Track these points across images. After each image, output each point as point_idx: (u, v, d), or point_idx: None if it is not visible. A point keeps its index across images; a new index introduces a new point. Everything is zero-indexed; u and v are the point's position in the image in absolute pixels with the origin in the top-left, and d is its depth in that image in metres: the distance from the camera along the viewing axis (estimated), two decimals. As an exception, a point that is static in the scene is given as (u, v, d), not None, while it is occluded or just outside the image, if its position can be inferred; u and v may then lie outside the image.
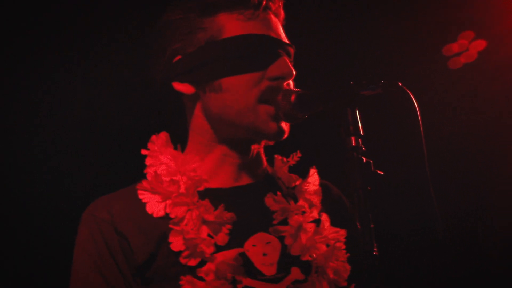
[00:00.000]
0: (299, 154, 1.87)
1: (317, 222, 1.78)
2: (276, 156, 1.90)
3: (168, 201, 1.71)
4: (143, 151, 1.82)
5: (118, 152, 3.13)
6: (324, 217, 1.79)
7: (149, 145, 1.83)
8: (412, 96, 1.50)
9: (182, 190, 1.72)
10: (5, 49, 3.04)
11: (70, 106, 3.15)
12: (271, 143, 1.88)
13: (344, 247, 1.77)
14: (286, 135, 1.78)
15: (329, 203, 1.85)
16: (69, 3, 3.02)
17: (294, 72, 1.75)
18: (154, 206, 1.72)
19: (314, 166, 1.86)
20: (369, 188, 1.46)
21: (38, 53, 3.05)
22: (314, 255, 1.73)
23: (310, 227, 1.76)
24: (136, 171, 1.86)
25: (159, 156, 1.80)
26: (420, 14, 3.52)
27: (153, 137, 1.83)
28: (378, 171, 1.48)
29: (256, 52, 1.73)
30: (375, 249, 1.44)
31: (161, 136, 1.83)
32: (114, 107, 3.17)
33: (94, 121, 3.17)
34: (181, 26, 1.78)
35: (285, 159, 1.89)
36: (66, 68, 3.11)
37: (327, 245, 1.76)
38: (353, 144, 1.49)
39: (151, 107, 3.00)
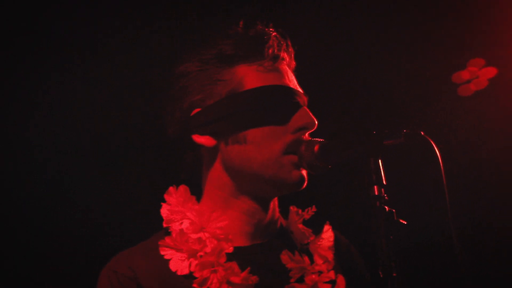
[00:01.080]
0: (314, 209, 1.86)
1: (333, 282, 1.78)
2: (291, 208, 1.88)
3: (193, 260, 1.71)
4: (164, 205, 1.80)
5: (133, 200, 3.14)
6: (340, 279, 1.79)
7: (167, 197, 1.81)
8: (434, 146, 1.50)
9: (208, 250, 1.71)
10: (11, 50, 3.06)
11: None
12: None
13: None
14: (305, 184, 1.79)
15: (337, 255, 1.84)
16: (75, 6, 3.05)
17: (316, 122, 1.76)
18: (178, 264, 1.71)
19: (327, 222, 1.86)
20: (391, 237, 1.47)
21: (53, 73, 3.07)
22: None
23: (325, 287, 1.76)
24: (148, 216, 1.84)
25: (182, 211, 1.78)
26: (429, 41, 3.53)
27: (171, 189, 1.81)
28: (401, 220, 1.49)
29: (277, 103, 1.74)
30: (398, 298, 1.45)
31: (181, 189, 1.81)
32: (125, 149, 3.19)
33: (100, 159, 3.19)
34: (199, 77, 1.78)
35: (300, 211, 1.88)
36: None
37: None
38: (376, 193, 1.50)
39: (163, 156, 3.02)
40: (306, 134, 1.76)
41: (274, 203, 1.85)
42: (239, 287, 1.68)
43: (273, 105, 1.73)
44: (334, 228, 1.88)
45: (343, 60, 3.40)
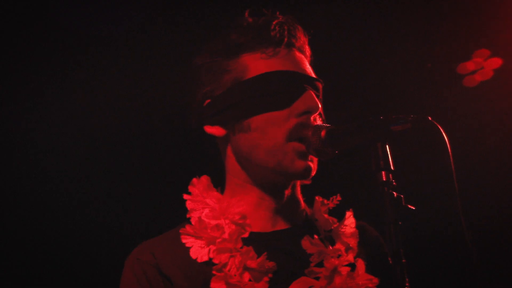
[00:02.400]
0: (339, 198, 1.86)
1: (352, 266, 1.78)
2: (316, 198, 1.89)
3: (212, 247, 1.72)
4: (185, 196, 1.82)
5: (158, 194, 3.15)
6: (360, 263, 1.79)
7: (190, 188, 1.83)
8: (442, 130, 1.50)
9: (225, 235, 1.72)
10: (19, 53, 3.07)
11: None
12: (307, 182, 1.88)
13: None
14: (313, 173, 1.79)
15: (365, 246, 1.84)
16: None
17: (320, 105, 1.75)
18: (198, 251, 1.73)
19: (350, 209, 1.85)
20: (400, 222, 1.46)
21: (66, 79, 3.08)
22: None
23: (345, 270, 1.75)
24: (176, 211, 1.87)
25: (203, 200, 1.80)
26: (434, 32, 3.52)
27: (194, 180, 1.83)
28: (409, 206, 1.48)
29: (281, 88, 1.74)
30: (407, 284, 1.44)
31: (202, 180, 1.83)
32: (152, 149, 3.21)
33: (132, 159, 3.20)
34: (209, 69, 1.81)
35: (325, 201, 1.88)
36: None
37: None
38: (384, 179, 1.49)
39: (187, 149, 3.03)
40: (312, 118, 1.75)
41: (293, 190, 1.84)
42: (256, 272, 1.69)
43: (276, 91, 1.74)
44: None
45: (352, 50, 3.40)
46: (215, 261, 1.70)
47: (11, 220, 3.10)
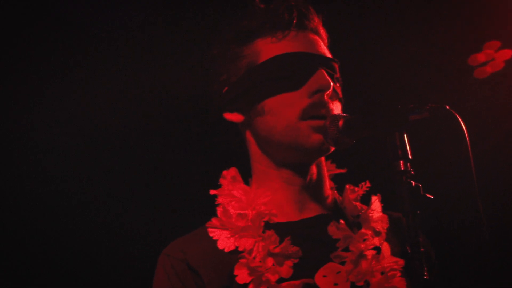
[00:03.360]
0: (368, 184, 1.85)
1: (378, 250, 1.77)
2: (347, 186, 1.88)
3: (238, 236, 1.73)
4: (212, 191, 1.84)
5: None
6: (385, 246, 1.78)
7: (221, 181, 1.85)
8: (460, 119, 1.49)
9: (248, 222, 1.74)
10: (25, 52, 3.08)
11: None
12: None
13: (399, 275, 1.75)
14: (332, 149, 1.78)
15: (395, 233, 1.84)
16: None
17: (331, 83, 1.74)
18: (225, 241, 1.74)
19: (378, 194, 1.85)
20: (418, 212, 1.46)
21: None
22: (370, 282, 1.72)
23: (370, 253, 1.75)
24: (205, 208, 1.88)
25: (230, 192, 1.81)
26: (445, 24, 3.51)
27: (224, 173, 1.84)
28: (428, 195, 1.47)
29: (293, 70, 1.75)
30: (425, 273, 1.43)
31: (231, 172, 1.85)
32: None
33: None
34: (224, 58, 1.83)
35: (356, 189, 1.87)
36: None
37: (382, 273, 1.74)
38: (402, 168, 1.48)
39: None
40: (327, 97, 1.75)
41: (318, 172, 1.84)
42: (279, 256, 1.69)
43: (287, 73, 1.75)
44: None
45: (363, 40, 3.40)
46: (240, 248, 1.71)
47: (11, 220, 3.11)
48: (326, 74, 1.75)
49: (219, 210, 1.79)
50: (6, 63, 3.07)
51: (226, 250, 1.72)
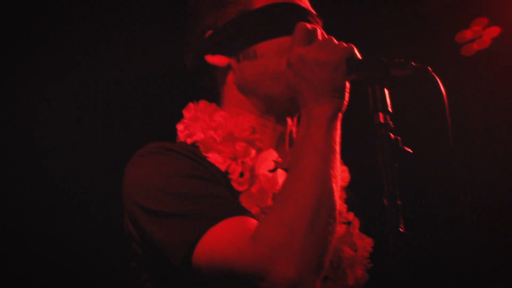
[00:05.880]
0: None
1: (348, 223, 1.77)
2: None
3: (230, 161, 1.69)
4: (179, 125, 1.79)
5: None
6: (356, 221, 1.78)
7: (185, 112, 1.80)
8: (440, 83, 1.49)
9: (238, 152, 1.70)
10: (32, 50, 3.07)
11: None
12: None
13: (368, 255, 1.77)
14: None
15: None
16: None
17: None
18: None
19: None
20: (396, 164, 1.46)
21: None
22: (341, 256, 1.72)
23: (342, 228, 1.75)
24: None
25: (204, 118, 1.76)
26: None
27: (190, 104, 1.82)
28: (406, 148, 1.47)
29: (287, 19, 1.75)
30: (401, 226, 1.43)
31: (201, 103, 1.81)
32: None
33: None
34: (212, 2, 1.82)
35: None
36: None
37: (355, 250, 1.75)
38: (381, 121, 1.48)
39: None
40: None
41: (294, 124, 1.84)
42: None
43: (281, 21, 1.75)
44: None
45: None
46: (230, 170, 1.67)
47: (11, 220, 3.10)
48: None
49: (198, 136, 1.73)
50: (6, 63, 3.06)
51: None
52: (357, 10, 3.43)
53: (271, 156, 1.71)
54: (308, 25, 1.68)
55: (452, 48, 3.62)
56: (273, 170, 1.70)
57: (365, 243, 1.78)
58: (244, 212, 1.54)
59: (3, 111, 3.12)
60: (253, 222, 1.50)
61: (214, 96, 1.86)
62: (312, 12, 1.82)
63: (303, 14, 1.78)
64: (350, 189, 1.86)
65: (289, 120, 1.83)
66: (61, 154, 3.20)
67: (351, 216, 1.79)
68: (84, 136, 3.25)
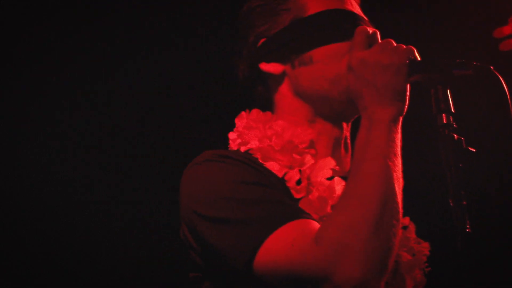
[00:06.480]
0: None
1: (405, 228, 1.77)
2: None
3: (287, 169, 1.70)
4: (231, 134, 1.80)
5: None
6: (412, 226, 1.79)
7: (237, 121, 1.81)
8: (503, 83, 1.49)
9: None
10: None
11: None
12: None
13: (425, 259, 1.78)
14: None
15: None
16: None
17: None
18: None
19: None
20: (461, 165, 1.46)
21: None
22: (398, 261, 1.72)
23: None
24: None
25: (264, 129, 1.77)
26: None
27: (243, 113, 1.83)
28: (470, 148, 1.47)
29: (341, 25, 1.76)
30: (468, 227, 1.43)
31: (253, 112, 1.82)
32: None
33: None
34: (263, 11, 1.83)
35: None
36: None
37: (413, 255, 1.76)
38: (445, 122, 1.49)
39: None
40: None
41: (348, 129, 1.84)
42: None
43: (336, 27, 1.76)
44: None
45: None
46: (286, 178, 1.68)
47: (11, 220, 3.13)
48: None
49: (253, 144, 1.73)
50: (6, 63, 3.08)
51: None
52: (395, 12, 3.42)
53: (329, 164, 1.72)
54: (369, 29, 1.69)
55: (489, 43, 3.58)
56: (330, 178, 1.70)
57: (422, 247, 1.79)
58: (305, 215, 1.55)
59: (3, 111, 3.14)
60: (315, 224, 1.51)
61: (264, 105, 1.87)
62: (364, 18, 1.83)
63: (356, 20, 1.78)
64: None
65: (344, 125, 1.83)
66: (61, 154, 3.21)
67: (407, 220, 1.79)
68: (83, 136, 3.26)
